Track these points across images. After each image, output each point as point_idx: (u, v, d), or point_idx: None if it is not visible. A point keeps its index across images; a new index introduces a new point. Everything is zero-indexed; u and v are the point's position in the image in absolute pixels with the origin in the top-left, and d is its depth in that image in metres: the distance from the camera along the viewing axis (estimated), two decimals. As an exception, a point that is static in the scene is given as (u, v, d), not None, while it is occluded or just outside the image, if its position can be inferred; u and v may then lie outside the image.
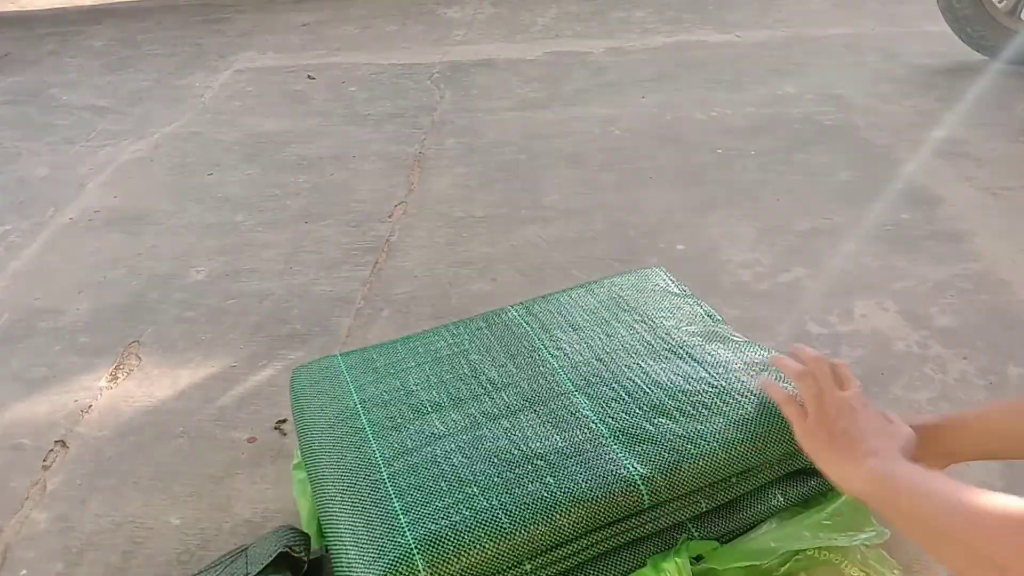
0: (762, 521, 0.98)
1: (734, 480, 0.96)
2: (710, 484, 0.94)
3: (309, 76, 3.10)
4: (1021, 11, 2.67)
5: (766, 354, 1.09)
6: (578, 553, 0.90)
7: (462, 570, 0.84)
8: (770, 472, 0.99)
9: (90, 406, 1.45)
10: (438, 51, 3.30)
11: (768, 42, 3.15)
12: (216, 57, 3.41)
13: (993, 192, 1.98)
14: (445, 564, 0.84)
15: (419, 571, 0.83)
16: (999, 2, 2.68)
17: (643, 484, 0.90)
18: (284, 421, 1.38)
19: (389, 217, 2.05)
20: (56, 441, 1.38)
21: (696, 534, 0.95)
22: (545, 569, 0.89)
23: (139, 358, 1.58)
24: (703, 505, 0.95)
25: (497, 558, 0.85)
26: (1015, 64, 2.71)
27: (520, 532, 0.86)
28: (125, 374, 1.53)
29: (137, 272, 1.87)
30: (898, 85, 2.68)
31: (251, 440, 1.35)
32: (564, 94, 2.77)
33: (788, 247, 1.81)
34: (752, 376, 1.04)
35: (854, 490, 0.80)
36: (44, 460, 1.34)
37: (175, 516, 1.22)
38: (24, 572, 1.15)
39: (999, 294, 1.60)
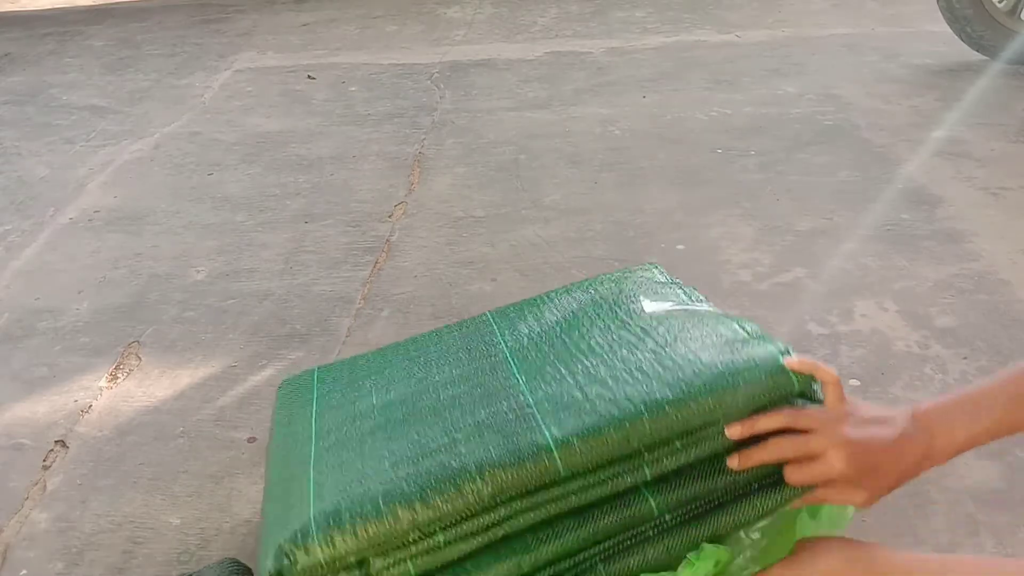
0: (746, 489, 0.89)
1: (678, 445, 0.87)
2: (647, 448, 0.86)
3: (309, 76, 3.10)
4: (1021, 11, 2.67)
5: (739, 326, 1.00)
6: (497, 525, 0.85)
7: (365, 542, 0.81)
8: (723, 438, 0.87)
9: (90, 406, 1.45)
10: (438, 51, 3.30)
11: (768, 42, 3.15)
12: (216, 57, 3.41)
13: (993, 192, 1.98)
14: (343, 536, 0.81)
15: (314, 543, 0.81)
16: (999, 2, 2.68)
17: (557, 449, 0.84)
18: (284, 421, 1.39)
19: (389, 217, 2.05)
20: (56, 441, 1.38)
21: (654, 504, 0.87)
22: (461, 542, 0.85)
23: (139, 358, 1.58)
24: (646, 472, 0.86)
25: (400, 528, 0.82)
26: (1015, 64, 2.71)
27: (422, 500, 0.83)
28: (125, 374, 1.54)
29: (137, 272, 1.87)
30: (898, 85, 2.68)
31: (251, 440, 1.35)
32: (564, 94, 2.77)
33: (788, 247, 1.81)
34: (711, 347, 0.94)
35: (939, 456, 0.81)
36: (44, 460, 1.34)
37: (175, 516, 1.22)
38: (24, 572, 1.15)
39: (999, 294, 1.60)
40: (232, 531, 1.18)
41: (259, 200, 2.17)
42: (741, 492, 0.89)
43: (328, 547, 0.81)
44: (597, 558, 0.87)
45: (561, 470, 0.84)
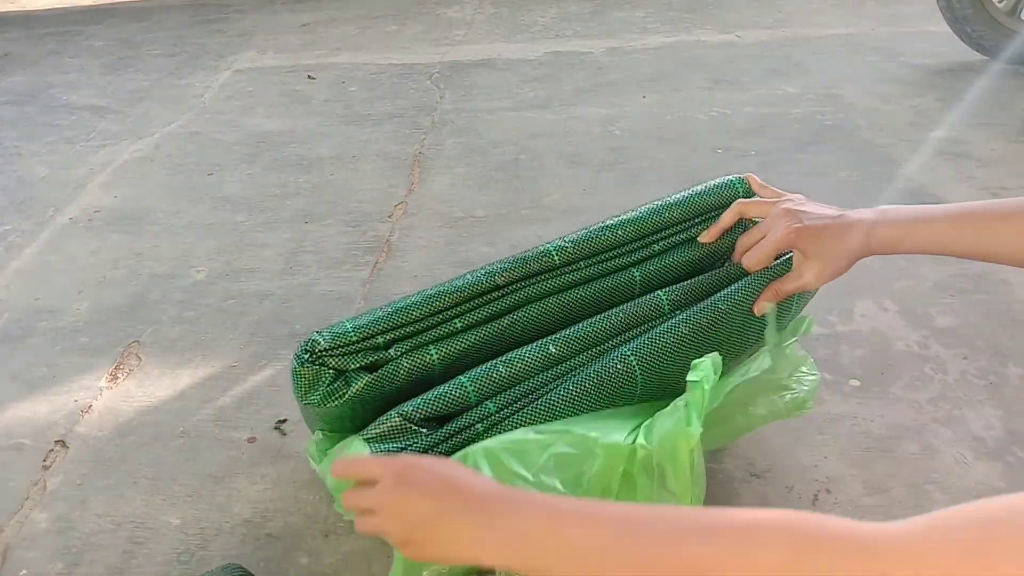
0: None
1: (656, 247, 1.04)
2: (628, 242, 1.03)
3: (309, 76, 3.10)
4: (1021, 11, 2.67)
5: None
6: (508, 312, 0.95)
7: (389, 323, 0.90)
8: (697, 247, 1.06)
9: (90, 406, 1.45)
10: (438, 51, 3.30)
11: (768, 42, 3.15)
12: (216, 57, 3.41)
13: (993, 192, 1.98)
14: (367, 320, 0.90)
15: (340, 326, 0.90)
16: (999, 2, 2.68)
17: (554, 248, 1.00)
18: (284, 421, 1.38)
19: (389, 217, 2.05)
20: (56, 441, 1.38)
21: (639, 277, 1.01)
22: (476, 328, 0.93)
23: (139, 358, 1.58)
24: (630, 260, 1.03)
25: (418, 312, 0.90)
26: (1015, 64, 2.71)
27: (437, 291, 0.93)
28: (125, 374, 1.54)
29: (137, 272, 1.87)
30: (898, 85, 2.68)
31: (251, 440, 1.35)
32: (564, 94, 2.77)
33: (788, 247, 1.81)
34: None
35: (875, 246, 0.86)
36: (44, 460, 1.34)
37: (175, 516, 1.22)
38: (24, 572, 1.15)
39: (999, 294, 1.61)
40: (232, 531, 1.18)
41: (259, 200, 2.17)
42: (714, 289, 0.99)
43: (352, 328, 0.88)
44: (614, 342, 0.94)
45: (556, 260, 0.98)
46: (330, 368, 0.88)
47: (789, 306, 1.03)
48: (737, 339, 0.99)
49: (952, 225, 0.83)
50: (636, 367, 0.89)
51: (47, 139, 2.67)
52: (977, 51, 2.78)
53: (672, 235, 1.06)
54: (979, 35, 2.72)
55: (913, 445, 1.26)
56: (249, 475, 1.28)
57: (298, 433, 1.36)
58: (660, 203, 1.07)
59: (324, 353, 0.88)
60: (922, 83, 2.69)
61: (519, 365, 0.88)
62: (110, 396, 1.48)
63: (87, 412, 1.44)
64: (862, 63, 2.88)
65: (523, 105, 2.70)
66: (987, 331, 1.50)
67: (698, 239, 1.05)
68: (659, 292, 0.98)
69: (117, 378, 1.53)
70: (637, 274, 1.01)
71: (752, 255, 0.95)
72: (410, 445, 0.82)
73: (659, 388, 0.94)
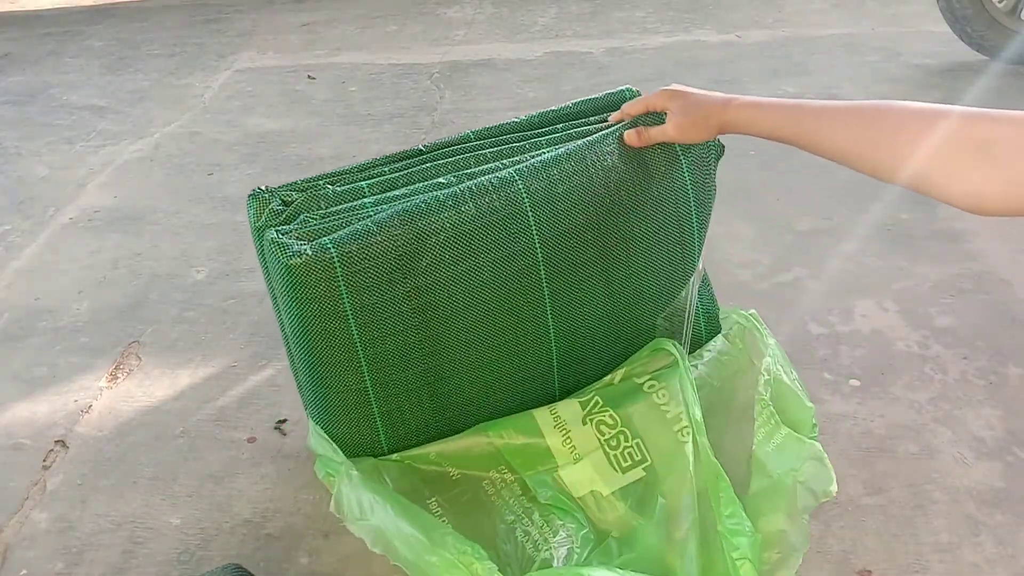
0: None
1: (560, 127, 1.18)
2: (536, 127, 1.19)
3: (309, 76, 3.10)
4: (1021, 11, 2.67)
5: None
6: (428, 162, 1.13)
7: (327, 175, 1.16)
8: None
9: (90, 406, 1.45)
10: (438, 51, 3.30)
11: (768, 42, 3.15)
12: (216, 57, 3.41)
13: (993, 192, 1.98)
14: (307, 178, 1.16)
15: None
16: (999, 2, 2.68)
17: (473, 132, 1.19)
18: (284, 421, 1.39)
19: (389, 217, 2.05)
20: (56, 441, 1.38)
21: (545, 144, 1.13)
22: (403, 171, 1.12)
23: (139, 358, 1.58)
24: (542, 131, 1.18)
25: (355, 168, 1.15)
26: (1015, 64, 2.71)
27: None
28: (125, 374, 1.54)
29: (137, 272, 1.87)
30: (898, 85, 2.68)
31: (251, 440, 1.35)
32: (564, 94, 2.77)
33: (788, 247, 1.81)
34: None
35: (729, 117, 1.01)
36: (44, 460, 1.34)
37: (175, 516, 1.22)
38: (24, 572, 1.15)
39: (999, 294, 1.61)
40: (232, 531, 1.18)
41: (259, 200, 2.17)
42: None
43: (300, 180, 1.13)
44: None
45: (472, 137, 1.18)
46: (277, 198, 1.13)
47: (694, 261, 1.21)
48: (635, 212, 1.12)
49: (790, 113, 0.99)
50: (522, 189, 1.03)
51: (47, 139, 2.67)
52: (977, 51, 2.78)
53: (572, 121, 1.22)
54: (979, 35, 2.72)
55: (913, 445, 1.26)
56: (249, 475, 1.28)
57: (298, 433, 1.36)
58: (563, 103, 1.24)
59: (273, 191, 1.13)
60: (922, 83, 2.69)
61: (412, 191, 1.07)
62: (110, 396, 1.48)
63: (87, 412, 1.44)
64: (862, 63, 2.88)
65: (523, 105, 2.70)
66: (987, 331, 1.50)
67: (609, 118, 1.17)
68: (540, 139, 1.15)
69: (117, 378, 1.53)
70: (543, 141, 1.16)
71: (626, 106, 1.14)
72: (310, 220, 1.06)
73: (565, 255, 1.08)
